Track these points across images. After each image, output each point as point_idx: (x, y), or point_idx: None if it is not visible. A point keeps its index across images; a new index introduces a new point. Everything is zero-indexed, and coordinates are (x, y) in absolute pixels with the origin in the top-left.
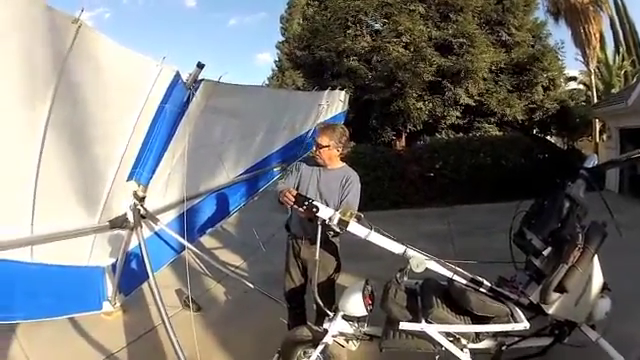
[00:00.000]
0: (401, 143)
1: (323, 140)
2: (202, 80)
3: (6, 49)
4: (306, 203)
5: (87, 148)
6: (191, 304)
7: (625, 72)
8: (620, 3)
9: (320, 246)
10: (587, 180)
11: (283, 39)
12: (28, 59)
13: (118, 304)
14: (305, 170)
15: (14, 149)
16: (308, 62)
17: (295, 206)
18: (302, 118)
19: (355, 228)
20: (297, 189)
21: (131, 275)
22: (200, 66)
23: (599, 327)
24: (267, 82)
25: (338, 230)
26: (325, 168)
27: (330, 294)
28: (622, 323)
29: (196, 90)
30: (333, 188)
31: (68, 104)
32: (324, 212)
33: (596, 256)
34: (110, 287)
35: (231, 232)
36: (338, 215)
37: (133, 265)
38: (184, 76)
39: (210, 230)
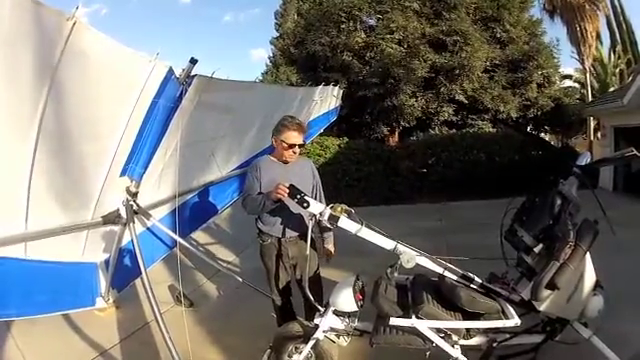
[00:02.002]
0: (394, 139)
1: (301, 139)
2: (195, 75)
3: None
4: (298, 196)
5: (80, 144)
6: (183, 300)
7: (621, 70)
8: (617, 2)
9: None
10: (580, 178)
11: (277, 35)
12: (19, 58)
13: (111, 300)
14: (265, 173)
15: (7, 146)
16: (302, 57)
17: (288, 198)
18: (295, 113)
19: (346, 223)
20: (262, 184)
21: (124, 271)
22: (193, 61)
23: (591, 325)
24: (261, 78)
25: (329, 225)
26: (286, 164)
27: (319, 288)
28: (615, 321)
29: (189, 85)
30: (304, 181)
31: (62, 101)
32: (315, 207)
33: (588, 254)
34: (103, 283)
35: (223, 227)
36: (329, 210)
37: (126, 261)
38: (177, 72)
39: (202, 226)
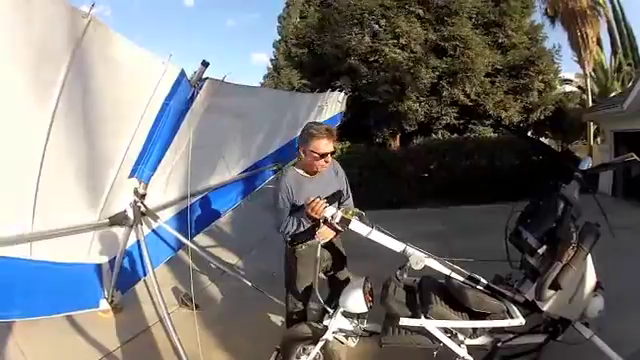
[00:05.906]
0: (395, 143)
1: (332, 146)
2: (207, 78)
3: (12, 41)
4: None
5: (91, 144)
6: (193, 302)
7: (623, 76)
8: (618, 7)
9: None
10: (581, 182)
11: (279, 38)
12: (34, 53)
13: (115, 302)
14: (297, 192)
15: (17, 145)
16: (309, 61)
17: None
18: (302, 119)
19: (357, 226)
20: (296, 204)
21: (128, 273)
22: (205, 64)
23: (592, 325)
24: (262, 81)
25: (340, 228)
26: (314, 175)
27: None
28: (615, 321)
29: (200, 88)
30: (333, 185)
31: (74, 100)
32: (326, 211)
33: (589, 255)
34: (107, 285)
35: (225, 230)
36: (340, 213)
37: (130, 263)
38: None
39: (206, 228)
